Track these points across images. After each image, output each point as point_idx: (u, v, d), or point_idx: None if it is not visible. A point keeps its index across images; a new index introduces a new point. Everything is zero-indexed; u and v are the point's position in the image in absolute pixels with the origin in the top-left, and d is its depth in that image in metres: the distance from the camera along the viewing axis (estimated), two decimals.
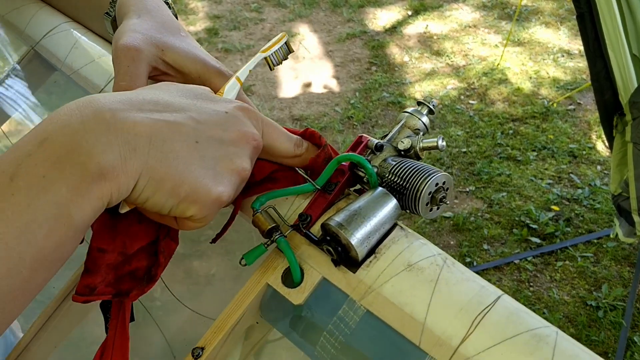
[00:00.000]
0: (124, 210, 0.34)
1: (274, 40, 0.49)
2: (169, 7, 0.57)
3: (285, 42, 0.49)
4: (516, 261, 1.98)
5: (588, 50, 1.51)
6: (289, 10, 3.74)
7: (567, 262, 1.97)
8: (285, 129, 0.43)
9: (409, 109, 0.42)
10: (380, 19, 3.55)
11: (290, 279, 0.37)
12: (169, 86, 0.37)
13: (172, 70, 0.49)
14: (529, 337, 0.27)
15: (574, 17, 1.46)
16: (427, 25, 3.40)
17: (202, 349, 0.38)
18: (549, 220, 2.11)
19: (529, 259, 1.99)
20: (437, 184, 0.36)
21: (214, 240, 0.42)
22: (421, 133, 0.41)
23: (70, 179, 0.29)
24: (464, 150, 2.49)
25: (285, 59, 0.49)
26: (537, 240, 2.05)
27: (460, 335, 0.27)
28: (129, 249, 0.37)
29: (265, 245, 0.38)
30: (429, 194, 0.36)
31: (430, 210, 0.37)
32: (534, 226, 2.10)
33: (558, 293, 1.87)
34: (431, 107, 0.42)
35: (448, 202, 0.37)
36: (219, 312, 0.40)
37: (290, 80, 3.10)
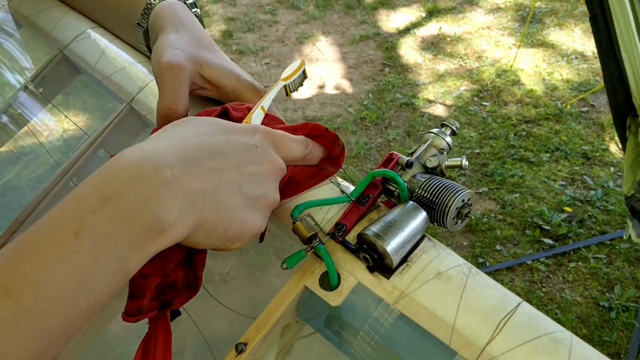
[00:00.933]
0: None
1: (293, 68, 0.52)
2: (200, 20, 0.59)
3: (303, 70, 0.52)
4: (529, 262, 2.00)
5: (601, 51, 1.52)
6: (303, 12, 3.78)
7: (579, 263, 1.98)
8: (283, 127, 0.45)
9: (434, 130, 0.46)
10: (393, 20, 3.58)
11: (327, 282, 0.40)
12: (199, 123, 0.39)
13: (209, 84, 0.51)
14: (547, 340, 0.31)
15: (588, 18, 1.48)
16: (441, 27, 3.42)
17: (245, 344, 0.41)
18: (561, 222, 2.12)
19: (541, 260, 2.01)
20: (463, 200, 0.40)
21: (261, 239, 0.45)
22: (445, 152, 0.45)
23: (134, 238, 0.31)
24: (477, 151, 2.51)
25: (301, 85, 0.53)
26: (550, 242, 2.07)
27: (487, 337, 0.31)
28: (167, 269, 0.40)
29: (305, 252, 0.41)
30: (456, 209, 0.40)
31: (456, 223, 0.41)
32: (547, 227, 2.11)
33: (571, 294, 1.89)
34: (454, 128, 0.46)
35: (472, 217, 0.41)
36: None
37: (304, 82, 3.13)
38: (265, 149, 0.40)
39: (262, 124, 0.47)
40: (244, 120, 0.47)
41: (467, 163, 0.42)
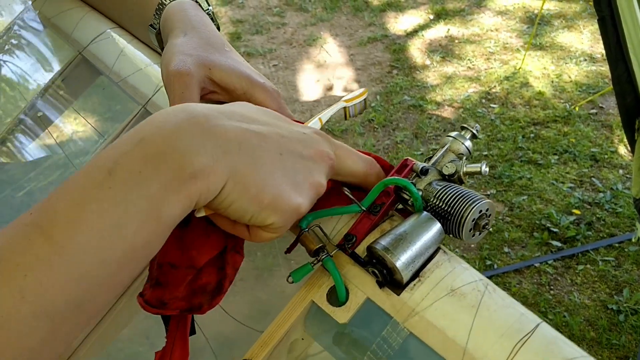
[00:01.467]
0: (200, 214, 0.34)
1: (356, 94, 0.53)
2: (212, 19, 0.58)
3: (364, 99, 0.53)
4: (537, 264, 1.99)
5: (609, 53, 1.52)
6: (311, 15, 3.79)
7: (588, 265, 1.98)
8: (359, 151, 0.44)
9: (453, 133, 0.43)
10: (401, 23, 3.58)
11: (335, 297, 0.38)
12: (250, 105, 0.39)
13: (219, 88, 0.50)
14: None
15: (597, 20, 1.48)
16: (449, 29, 3.42)
17: None
18: (570, 224, 2.12)
19: (549, 262, 2.00)
20: (480, 211, 0.38)
21: (288, 251, 0.43)
22: (464, 157, 0.42)
23: (164, 177, 0.30)
24: (485, 153, 2.51)
25: (361, 113, 0.53)
26: (558, 244, 2.06)
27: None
28: (196, 262, 0.38)
29: (312, 265, 0.39)
30: (473, 221, 0.37)
31: (473, 235, 0.39)
32: (555, 230, 2.11)
33: (579, 297, 1.88)
34: (474, 132, 0.43)
35: (490, 229, 0.40)
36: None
37: (312, 84, 3.14)
38: (316, 139, 0.38)
39: None
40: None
41: (487, 169, 0.39)
